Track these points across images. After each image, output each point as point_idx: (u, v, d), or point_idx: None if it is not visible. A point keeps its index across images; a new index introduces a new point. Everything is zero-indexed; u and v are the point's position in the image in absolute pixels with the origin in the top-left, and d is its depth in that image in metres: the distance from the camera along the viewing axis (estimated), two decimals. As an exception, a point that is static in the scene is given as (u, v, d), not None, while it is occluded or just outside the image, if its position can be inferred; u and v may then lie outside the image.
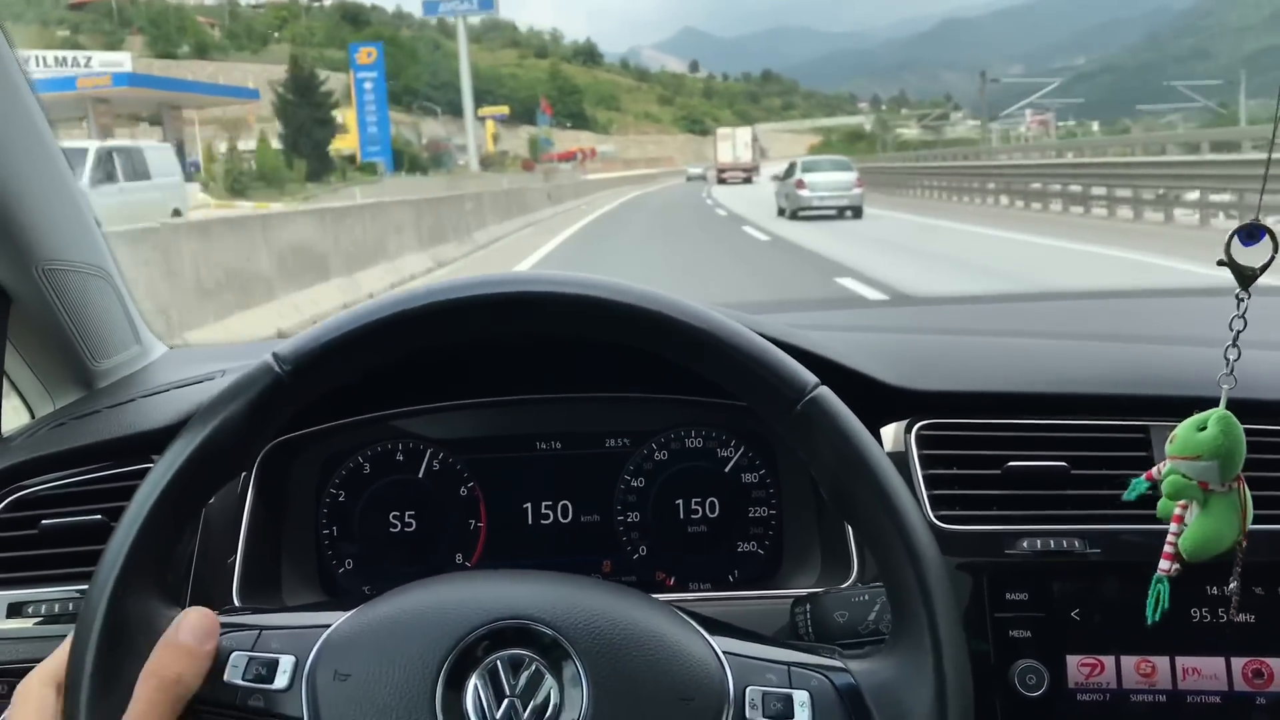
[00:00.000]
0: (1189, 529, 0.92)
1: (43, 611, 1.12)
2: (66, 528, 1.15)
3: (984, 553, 1.10)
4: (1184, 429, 0.92)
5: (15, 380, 1.44)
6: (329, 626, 0.80)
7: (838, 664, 0.80)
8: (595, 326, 0.83)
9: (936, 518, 1.11)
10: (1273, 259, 0.86)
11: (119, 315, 1.50)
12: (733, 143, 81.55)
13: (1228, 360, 0.90)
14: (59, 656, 0.76)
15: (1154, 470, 0.97)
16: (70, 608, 1.11)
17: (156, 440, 1.20)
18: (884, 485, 0.79)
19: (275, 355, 0.80)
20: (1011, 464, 1.14)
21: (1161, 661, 1.07)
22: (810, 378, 0.81)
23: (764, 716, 0.76)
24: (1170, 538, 0.94)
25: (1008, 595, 1.09)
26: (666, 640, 0.79)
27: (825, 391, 0.81)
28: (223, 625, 0.80)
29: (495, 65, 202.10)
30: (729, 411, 1.27)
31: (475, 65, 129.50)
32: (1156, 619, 0.95)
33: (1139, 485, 0.99)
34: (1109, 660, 1.07)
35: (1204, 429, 0.90)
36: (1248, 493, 0.91)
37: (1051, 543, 1.09)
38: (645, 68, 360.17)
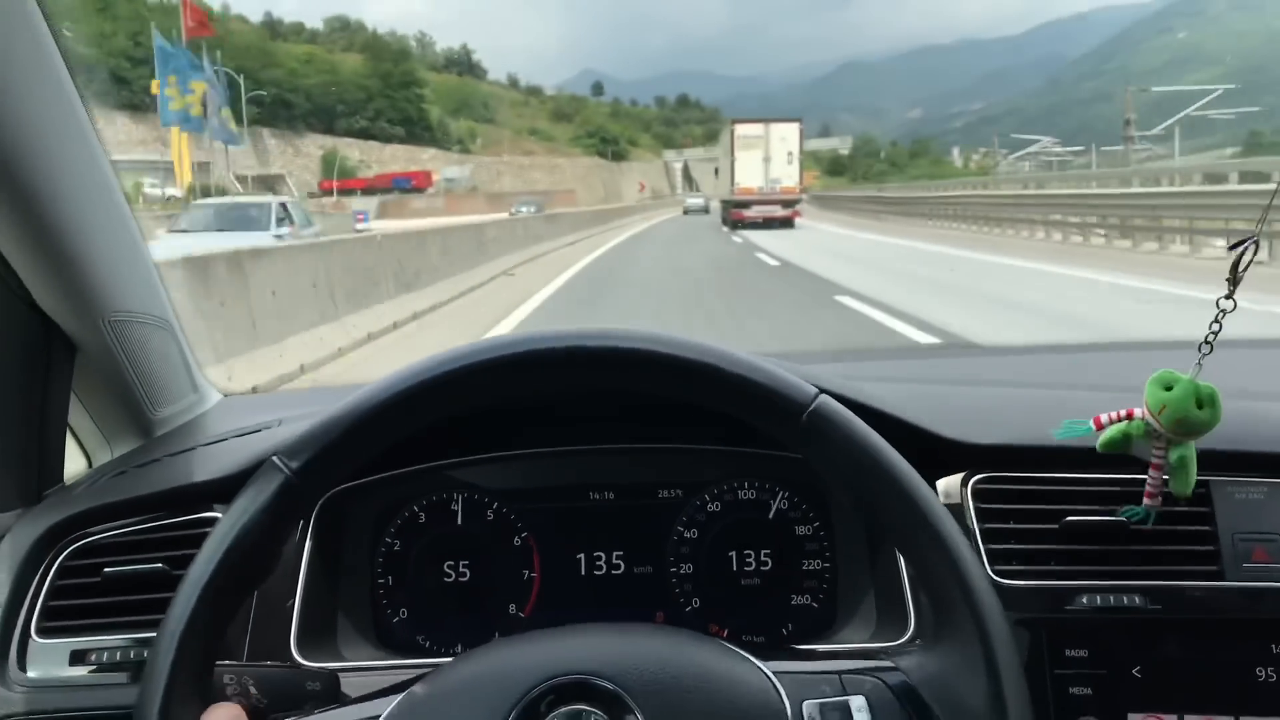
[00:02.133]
0: (1180, 470, 1.04)
1: (104, 659, 1.13)
2: (129, 576, 1.16)
3: (1043, 609, 1.09)
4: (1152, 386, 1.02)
5: (76, 428, 1.46)
6: (378, 717, 0.81)
7: (887, 663, 0.82)
8: (589, 376, 0.85)
9: (995, 572, 1.10)
10: (1250, 262, 0.98)
11: (178, 364, 1.53)
12: (764, 150, 41.28)
13: (1207, 334, 1.00)
14: None
15: (1111, 415, 1.07)
16: (131, 655, 1.13)
17: (217, 490, 1.22)
18: (901, 481, 0.80)
19: (279, 455, 0.82)
20: (1070, 518, 1.13)
21: None
22: (809, 389, 0.82)
23: None
24: (1151, 483, 1.07)
25: (1068, 652, 1.07)
26: (720, 676, 0.80)
27: (827, 400, 0.82)
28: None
29: (288, 54, 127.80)
30: (782, 463, 1.27)
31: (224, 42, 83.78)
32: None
33: (1083, 430, 1.10)
34: (1172, 719, 1.06)
35: (1169, 388, 1.00)
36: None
37: (1111, 599, 1.08)
38: (538, 86, 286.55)
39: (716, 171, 53.31)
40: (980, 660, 0.76)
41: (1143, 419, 1.03)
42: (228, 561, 0.80)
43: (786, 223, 38.85)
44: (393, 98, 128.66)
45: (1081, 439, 1.09)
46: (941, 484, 1.18)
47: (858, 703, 0.78)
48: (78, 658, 1.14)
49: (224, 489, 1.19)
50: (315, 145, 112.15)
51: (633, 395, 0.86)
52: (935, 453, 1.18)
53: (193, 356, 1.59)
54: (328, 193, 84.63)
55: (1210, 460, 1.16)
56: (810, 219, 47.80)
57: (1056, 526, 1.13)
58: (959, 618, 0.78)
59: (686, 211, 74.86)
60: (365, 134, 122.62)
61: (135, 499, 1.24)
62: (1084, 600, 1.08)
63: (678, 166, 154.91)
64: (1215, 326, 0.98)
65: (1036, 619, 1.08)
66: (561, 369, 0.84)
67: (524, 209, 55.01)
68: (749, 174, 40.99)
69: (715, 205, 58.30)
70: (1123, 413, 1.05)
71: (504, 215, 35.94)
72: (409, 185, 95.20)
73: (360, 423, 0.82)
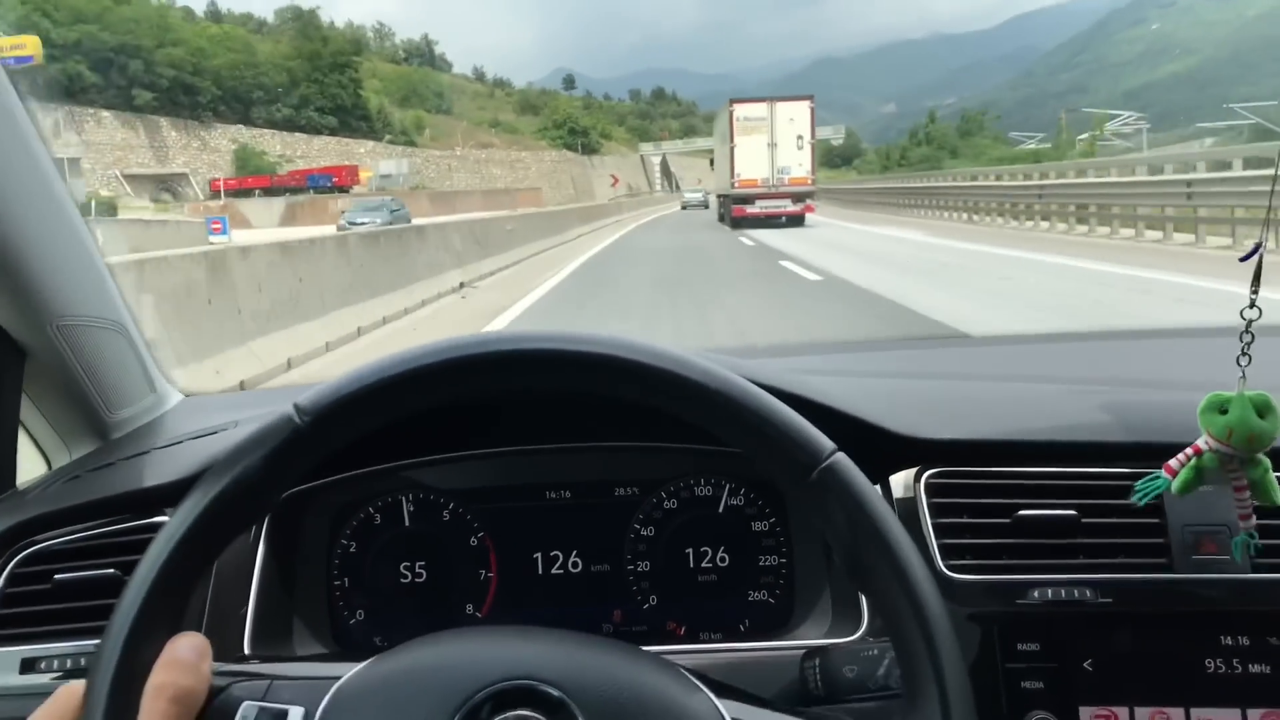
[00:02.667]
0: (1265, 484, 1.00)
1: (55, 666, 1.12)
2: (80, 582, 1.15)
3: (995, 603, 1.09)
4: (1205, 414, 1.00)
5: (32, 432, 1.45)
6: (339, 678, 0.80)
7: None
8: (610, 384, 0.83)
9: (947, 567, 1.11)
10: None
11: (134, 366, 1.52)
12: (769, 134, 34.04)
13: (1242, 345, 0.97)
14: (52, 708, 0.77)
15: (1179, 458, 1.02)
16: (83, 663, 1.12)
17: (170, 494, 1.21)
18: (900, 563, 0.78)
19: (296, 406, 0.80)
20: (1022, 513, 1.13)
21: (1176, 713, 1.06)
22: (826, 444, 0.81)
23: None
24: (1241, 507, 1.02)
25: (1019, 646, 1.08)
26: (675, 706, 0.78)
27: (842, 459, 0.80)
28: (234, 674, 0.81)
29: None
30: (738, 460, 1.27)
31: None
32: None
33: (1159, 484, 1.03)
34: (1123, 711, 1.06)
35: (1225, 411, 0.97)
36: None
37: (1063, 592, 1.09)
38: (506, 79, 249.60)
39: (712, 163, 45.99)
40: None
41: (1210, 449, 1.00)
42: (219, 505, 0.78)
43: (794, 219, 32.49)
44: (322, 83, 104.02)
45: (1160, 493, 1.05)
46: (895, 479, 1.19)
47: None
48: (28, 665, 1.13)
49: (177, 493, 1.18)
50: (227, 138, 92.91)
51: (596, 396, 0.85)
52: (888, 448, 1.18)
53: (150, 357, 1.58)
54: (219, 194, 71.12)
55: (1161, 453, 1.16)
56: (824, 215, 39.85)
57: (1009, 521, 1.14)
58: (926, 702, 0.77)
59: (685, 206, 70.36)
60: (290, 125, 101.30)
61: (87, 504, 1.22)
62: (1036, 594, 1.09)
63: (655, 161, 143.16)
64: (1247, 337, 0.97)
65: (989, 613, 1.09)
66: (586, 375, 0.83)
67: (364, 220, 31.89)
68: (752, 163, 33.25)
69: (715, 200, 48.31)
70: (1189, 451, 1.01)
71: (449, 218, 23.23)
72: (329, 183, 75.91)
73: (388, 383, 0.81)
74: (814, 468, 0.80)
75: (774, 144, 33.51)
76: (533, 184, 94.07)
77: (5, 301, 1.21)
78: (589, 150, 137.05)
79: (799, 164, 33.47)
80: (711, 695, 0.81)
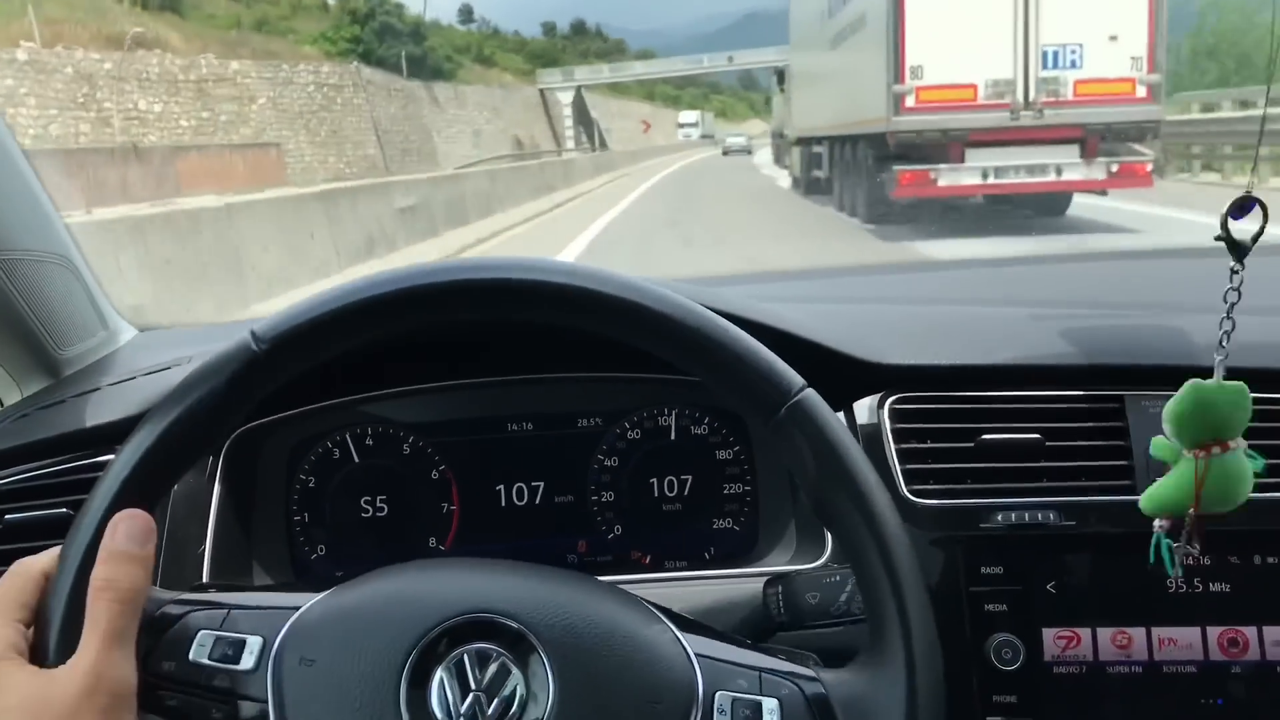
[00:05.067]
0: (1152, 486, 0.92)
1: None
2: (30, 522, 1.13)
3: (958, 527, 1.09)
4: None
5: (-20, 370, 1.41)
6: (298, 609, 0.80)
7: (809, 673, 0.80)
8: (576, 317, 0.81)
9: (910, 492, 1.10)
10: (1262, 230, 0.86)
11: (83, 301, 1.48)
12: None
13: (1221, 332, 0.88)
14: (9, 588, 0.76)
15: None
16: None
17: (121, 431, 1.18)
18: (866, 501, 0.78)
19: (253, 333, 0.78)
20: (985, 437, 1.13)
21: (1138, 633, 1.07)
22: (795, 380, 0.79)
23: None
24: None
25: (983, 569, 1.08)
26: (637, 639, 0.78)
27: (810, 395, 0.79)
28: (191, 603, 0.80)
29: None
30: (703, 390, 1.25)
31: None
32: (1177, 571, 0.96)
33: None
34: (1085, 633, 1.07)
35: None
36: (1223, 464, 0.89)
37: (1026, 515, 1.09)
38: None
39: (781, 82, 23.87)
40: (902, 698, 0.75)
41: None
42: (173, 433, 0.78)
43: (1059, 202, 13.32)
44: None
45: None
46: (859, 405, 1.18)
47: (770, 705, 0.76)
48: None
49: (127, 429, 1.15)
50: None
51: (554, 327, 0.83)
52: (851, 374, 1.17)
53: (100, 291, 1.54)
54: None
55: (1125, 375, 1.16)
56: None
57: (973, 445, 1.13)
58: (888, 647, 0.76)
59: (726, 152, 59.09)
60: None
61: (35, 443, 1.20)
62: (999, 518, 1.09)
63: (564, 100, 71.31)
64: (1233, 296, 0.87)
65: (952, 537, 1.09)
66: (551, 308, 0.81)
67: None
68: (958, 44, 11.94)
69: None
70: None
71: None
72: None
73: (343, 312, 0.79)
74: (782, 404, 0.79)
75: None
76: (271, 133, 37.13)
77: None
78: (433, 73, 58.31)
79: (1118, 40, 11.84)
80: (673, 627, 0.81)
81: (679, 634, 0.80)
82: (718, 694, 0.76)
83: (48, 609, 0.73)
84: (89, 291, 1.49)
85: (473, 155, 45.23)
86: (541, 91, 71.86)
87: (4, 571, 1.05)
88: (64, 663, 0.71)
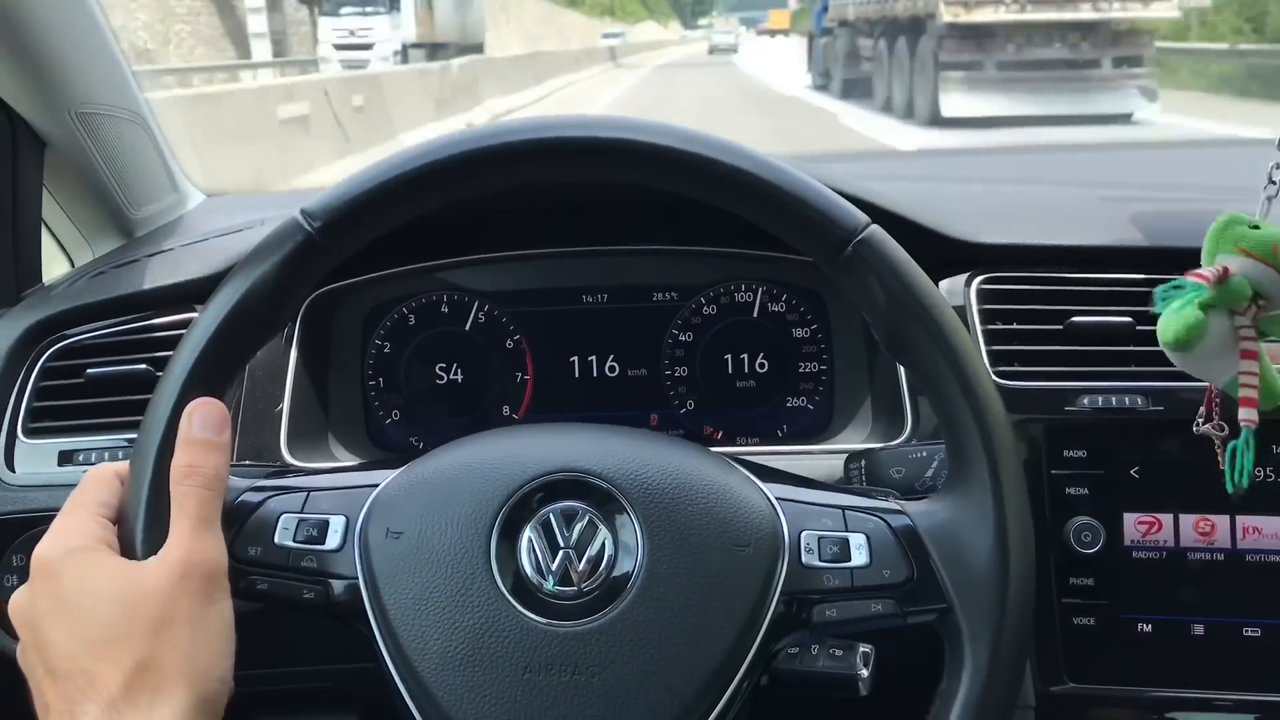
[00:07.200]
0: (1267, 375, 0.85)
1: (93, 460, 1.12)
2: (113, 377, 1.14)
3: (1043, 409, 1.07)
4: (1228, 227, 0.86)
5: (54, 229, 1.42)
6: (377, 485, 0.80)
7: (894, 506, 0.79)
8: (635, 171, 0.78)
9: (996, 374, 1.08)
10: None
11: (155, 161, 1.48)
12: None
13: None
14: (88, 494, 0.76)
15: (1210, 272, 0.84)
16: (120, 456, 1.11)
17: (197, 290, 1.19)
18: (941, 326, 0.76)
19: (304, 211, 0.77)
20: (1074, 319, 1.10)
21: (1221, 520, 1.05)
22: (861, 217, 0.77)
23: (820, 560, 0.76)
24: (1248, 379, 0.84)
25: (1065, 452, 1.06)
26: (719, 489, 0.78)
27: (877, 230, 0.77)
28: (270, 488, 0.81)
29: None
30: (780, 265, 1.23)
31: None
32: (1242, 484, 0.90)
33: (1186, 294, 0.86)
34: (1167, 519, 1.05)
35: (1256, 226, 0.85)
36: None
37: (1114, 400, 1.06)
38: None
39: None
40: (990, 518, 0.74)
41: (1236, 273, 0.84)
42: (237, 314, 0.76)
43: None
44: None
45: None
46: (945, 284, 1.15)
47: (857, 540, 0.76)
48: (66, 458, 1.12)
49: (204, 289, 1.16)
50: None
51: (631, 195, 0.80)
52: (939, 252, 1.14)
53: (171, 153, 1.53)
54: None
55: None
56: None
57: (1061, 328, 1.10)
58: (972, 469, 0.75)
59: (712, 51, 61.67)
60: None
61: (114, 299, 1.21)
62: (1086, 401, 1.06)
63: None
64: (1270, 190, 0.87)
65: (1036, 419, 1.07)
66: (610, 164, 0.79)
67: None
68: None
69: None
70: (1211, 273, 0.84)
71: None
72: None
73: (394, 184, 0.77)
74: (848, 241, 0.76)
75: None
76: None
77: (22, 86, 1.16)
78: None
79: None
80: (756, 479, 0.81)
81: (760, 482, 0.80)
82: (803, 533, 0.77)
83: (130, 504, 0.73)
84: (161, 152, 1.49)
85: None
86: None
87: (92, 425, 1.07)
88: (154, 554, 0.71)
